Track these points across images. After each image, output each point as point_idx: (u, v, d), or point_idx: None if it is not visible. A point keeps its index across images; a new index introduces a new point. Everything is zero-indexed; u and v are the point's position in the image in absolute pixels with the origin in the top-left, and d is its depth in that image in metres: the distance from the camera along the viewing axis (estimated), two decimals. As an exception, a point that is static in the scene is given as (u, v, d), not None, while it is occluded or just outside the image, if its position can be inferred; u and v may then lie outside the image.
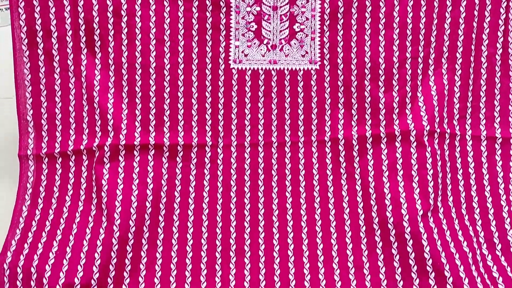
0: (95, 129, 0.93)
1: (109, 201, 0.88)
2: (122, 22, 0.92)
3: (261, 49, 0.95)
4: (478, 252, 0.86)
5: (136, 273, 0.87)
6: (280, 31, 0.95)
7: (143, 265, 0.88)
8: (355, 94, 0.93)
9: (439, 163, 0.91)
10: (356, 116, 0.94)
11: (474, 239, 0.88)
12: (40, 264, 0.85)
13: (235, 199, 0.92)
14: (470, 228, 0.89)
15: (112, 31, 0.92)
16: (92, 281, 0.84)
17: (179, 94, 0.94)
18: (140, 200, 0.89)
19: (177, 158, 0.93)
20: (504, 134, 0.95)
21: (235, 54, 0.95)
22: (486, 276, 0.83)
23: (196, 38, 0.94)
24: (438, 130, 0.92)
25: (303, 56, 0.95)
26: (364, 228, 0.90)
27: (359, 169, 0.92)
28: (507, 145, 0.94)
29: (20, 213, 0.93)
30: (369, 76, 0.93)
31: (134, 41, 0.92)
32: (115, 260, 0.86)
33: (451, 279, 0.82)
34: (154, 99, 0.93)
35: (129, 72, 0.93)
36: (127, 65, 0.93)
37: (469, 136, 0.95)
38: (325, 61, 0.94)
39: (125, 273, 0.87)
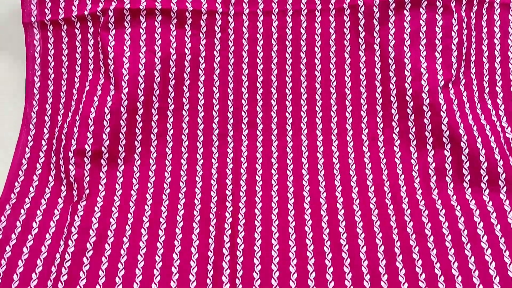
0: None
1: (116, 69, 0.85)
2: None
3: None
4: (498, 124, 0.83)
5: (147, 143, 0.87)
6: None
7: (154, 135, 0.87)
8: None
9: (465, 32, 0.85)
10: None
11: (493, 112, 0.84)
12: (59, 135, 0.86)
13: (247, 71, 0.89)
14: (489, 101, 0.85)
15: None
16: (103, 148, 0.84)
17: None
18: (148, 68, 0.86)
19: (186, 26, 0.88)
20: None
21: None
22: (505, 146, 0.80)
23: None
24: None
25: None
26: (380, 101, 0.86)
27: (379, 39, 0.87)
28: None
29: (33, 84, 0.92)
30: None
31: None
32: (124, 129, 0.85)
33: (467, 150, 0.79)
34: None
35: None
36: None
37: (497, 3, 0.88)
38: None
39: (136, 142, 0.87)
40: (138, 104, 0.85)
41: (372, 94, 0.87)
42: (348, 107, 0.87)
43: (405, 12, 0.85)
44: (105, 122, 0.84)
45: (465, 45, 0.84)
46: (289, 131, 0.88)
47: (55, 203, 0.84)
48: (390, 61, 0.86)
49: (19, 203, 0.84)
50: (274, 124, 0.88)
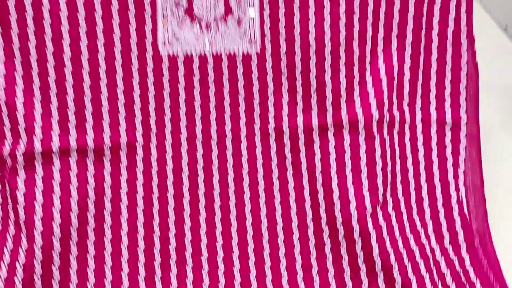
0: (4, 133, 0.80)
1: (27, 219, 0.78)
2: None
3: (194, 30, 0.84)
4: (427, 247, 0.84)
5: None
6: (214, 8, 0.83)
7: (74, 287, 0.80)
8: (299, 80, 0.85)
9: (388, 154, 0.86)
10: (301, 105, 0.86)
11: (422, 233, 0.85)
12: None
13: (173, 205, 0.84)
14: (418, 223, 0.86)
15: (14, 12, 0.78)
16: None
17: (101, 86, 0.82)
18: (63, 215, 0.79)
19: (104, 162, 0.83)
20: (454, 116, 0.89)
21: (164, 36, 0.83)
22: (435, 272, 0.82)
23: (118, 19, 0.81)
24: (388, 118, 0.86)
25: (241, 38, 0.84)
26: (312, 229, 0.85)
27: (305, 164, 0.86)
28: (457, 129, 0.90)
29: None
30: (314, 59, 0.84)
31: (42, 24, 0.78)
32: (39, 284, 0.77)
33: (399, 282, 0.79)
34: (72, 95, 0.81)
35: (39, 63, 0.80)
36: (36, 55, 0.79)
37: (419, 121, 0.90)
38: (266, 44, 0.84)
39: None
40: (54, 255, 0.78)
41: (303, 221, 0.85)
42: (280, 237, 0.85)
43: (329, 137, 0.85)
44: (16, 281, 0.76)
45: (389, 168, 0.86)
46: (219, 270, 0.84)
47: None
48: (318, 187, 0.85)
49: None
50: (205, 262, 0.84)
